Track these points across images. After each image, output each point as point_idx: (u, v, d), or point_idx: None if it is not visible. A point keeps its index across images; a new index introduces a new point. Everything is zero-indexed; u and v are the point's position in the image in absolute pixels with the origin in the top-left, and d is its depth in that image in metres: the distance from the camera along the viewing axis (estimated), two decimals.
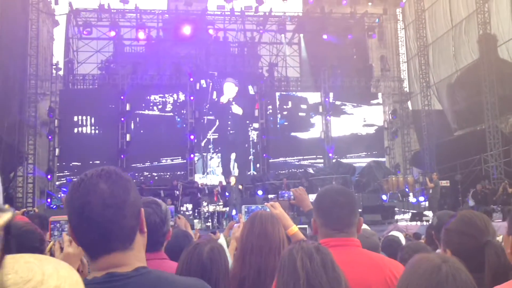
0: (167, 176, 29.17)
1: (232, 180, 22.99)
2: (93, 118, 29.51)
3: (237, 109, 30.95)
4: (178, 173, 29.09)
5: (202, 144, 30.25)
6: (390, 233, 7.83)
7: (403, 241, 7.09)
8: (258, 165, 30.77)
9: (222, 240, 5.12)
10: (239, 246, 3.30)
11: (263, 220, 3.23)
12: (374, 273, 2.68)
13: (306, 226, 6.08)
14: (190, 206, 23.27)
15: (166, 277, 1.79)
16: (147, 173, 29.37)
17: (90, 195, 1.68)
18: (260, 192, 24.97)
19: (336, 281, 2.19)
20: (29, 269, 1.15)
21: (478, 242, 2.51)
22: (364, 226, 4.29)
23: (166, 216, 3.13)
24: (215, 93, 30.74)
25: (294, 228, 3.62)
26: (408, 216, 22.93)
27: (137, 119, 29.77)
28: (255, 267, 3.08)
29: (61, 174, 28.74)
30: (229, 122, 30.99)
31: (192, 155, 29.30)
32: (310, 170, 29.48)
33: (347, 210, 2.91)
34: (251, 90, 31.31)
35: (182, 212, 21.62)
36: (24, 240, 2.81)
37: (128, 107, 28.86)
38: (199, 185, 25.88)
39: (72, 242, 2.54)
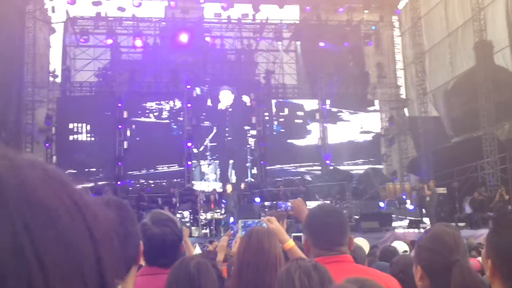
0: (164, 183, 29.16)
1: (229, 188, 22.94)
2: (90, 126, 29.49)
3: (246, 98, 31.08)
4: (175, 180, 29.05)
5: (195, 151, 30.16)
6: (392, 244, 7.89)
7: (407, 249, 7.14)
8: (254, 171, 30.77)
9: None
10: (236, 262, 3.33)
11: (260, 236, 3.25)
12: None
13: (301, 234, 6.02)
14: (187, 214, 23.25)
15: None
16: (143, 181, 29.33)
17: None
18: (257, 199, 24.95)
19: None
20: None
21: (446, 261, 2.48)
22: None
23: (182, 233, 3.21)
24: (209, 100, 30.75)
25: (290, 243, 3.64)
26: (405, 223, 22.97)
27: (133, 126, 29.72)
28: (252, 283, 3.10)
29: None
30: (227, 129, 31.02)
31: (189, 162, 29.29)
32: (307, 177, 29.50)
33: (336, 231, 2.97)
34: (247, 98, 31.35)
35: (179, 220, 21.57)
36: None
37: (125, 115, 28.88)
38: (197, 193, 25.86)
39: None
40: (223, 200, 22.92)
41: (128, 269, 1.76)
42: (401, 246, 7.23)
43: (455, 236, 2.61)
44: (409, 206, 26.32)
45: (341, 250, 2.91)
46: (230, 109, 30.92)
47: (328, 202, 22.01)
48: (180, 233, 3.15)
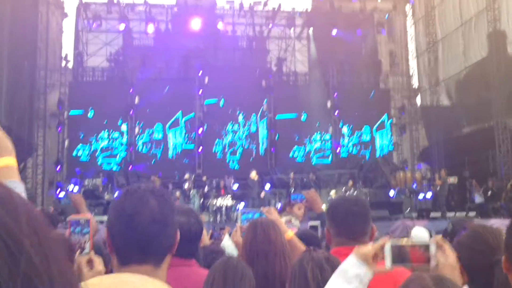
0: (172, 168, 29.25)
1: (253, 174, 22.87)
2: (102, 110, 29.44)
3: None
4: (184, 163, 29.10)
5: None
6: (412, 230, 7.71)
7: (427, 238, 6.97)
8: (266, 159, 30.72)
9: (227, 241, 5.17)
10: (244, 253, 3.40)
11: (265, 227, 3.38)
12: (385, 282, 2.69)
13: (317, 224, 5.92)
14: (197, 199, 23.32)
15: None
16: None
17: (141, 207, 1.80)
18: (267, 187, 24.95)
19: None
20: None
21: (488, 260, 2.43)
22: None
23: (202, 223, 3.34)
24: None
25: (290, 233, 3.72)
26: (415, 212, 22.97)
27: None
28: (262, 272, 3.19)
29: (70, 165, 28.86)
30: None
31: (200, 148, 29.28)
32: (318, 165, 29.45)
33: (360, 220, 2.98)
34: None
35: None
36: None
37: (137, 100, 28.92)
38: (207, 178, 25.89)
39: (94, 261, 2.50)
40: (236, 186, 22.97)
41: (164, 257, 1.85)
42: (421, 233, 7.08)
43: (497, 236, 2.55)
44: (419, 195, 26.28)
45: (363, 241, 2.86)
46: None
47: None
48: (202, 223, 3.25)
